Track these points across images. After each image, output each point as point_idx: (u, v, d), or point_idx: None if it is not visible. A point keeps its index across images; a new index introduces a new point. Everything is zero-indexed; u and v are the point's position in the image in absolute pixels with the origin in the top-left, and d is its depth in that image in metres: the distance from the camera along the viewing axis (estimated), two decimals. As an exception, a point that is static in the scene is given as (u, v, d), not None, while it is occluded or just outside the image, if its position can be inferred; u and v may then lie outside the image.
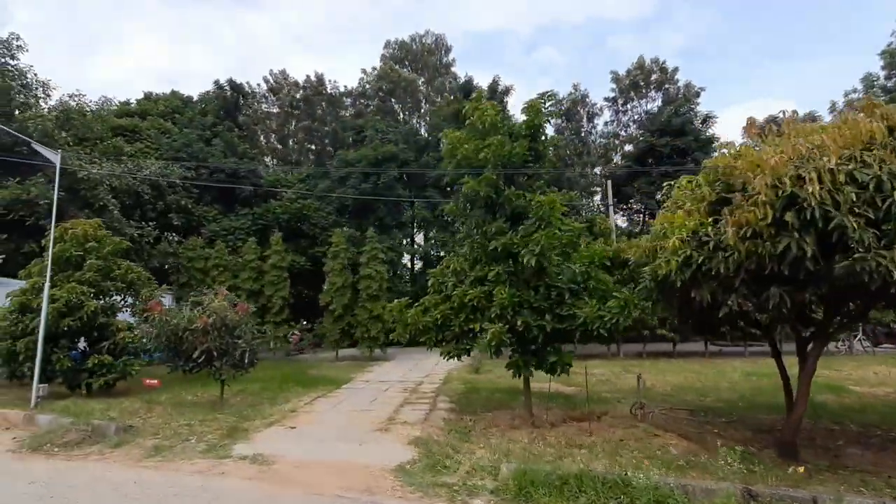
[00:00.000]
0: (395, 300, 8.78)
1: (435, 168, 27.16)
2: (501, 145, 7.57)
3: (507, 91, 28.49)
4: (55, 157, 10.71)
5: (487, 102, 8.45)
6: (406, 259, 29.16)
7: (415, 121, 31.39)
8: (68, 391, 11.24)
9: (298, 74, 33.50)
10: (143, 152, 23.44)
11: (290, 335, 21.41)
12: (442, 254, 28.15)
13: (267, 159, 31.61)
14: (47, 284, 10.16)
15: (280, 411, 9.42)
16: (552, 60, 76.20)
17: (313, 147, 32.30)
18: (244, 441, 7.33)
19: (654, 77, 33.72)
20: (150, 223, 19.80)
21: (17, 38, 17.22)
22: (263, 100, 32.51)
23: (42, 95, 17.90)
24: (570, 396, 10.54)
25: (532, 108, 8.23)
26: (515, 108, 33.18)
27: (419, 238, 29.93)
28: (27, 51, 17.14)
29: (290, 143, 33.20)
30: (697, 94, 32.25)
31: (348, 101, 32.69)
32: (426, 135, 29.23)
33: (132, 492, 5.42)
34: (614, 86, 33.37)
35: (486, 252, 7.96)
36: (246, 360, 10.01)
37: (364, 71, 34.07)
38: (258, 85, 32.42)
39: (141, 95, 30.99)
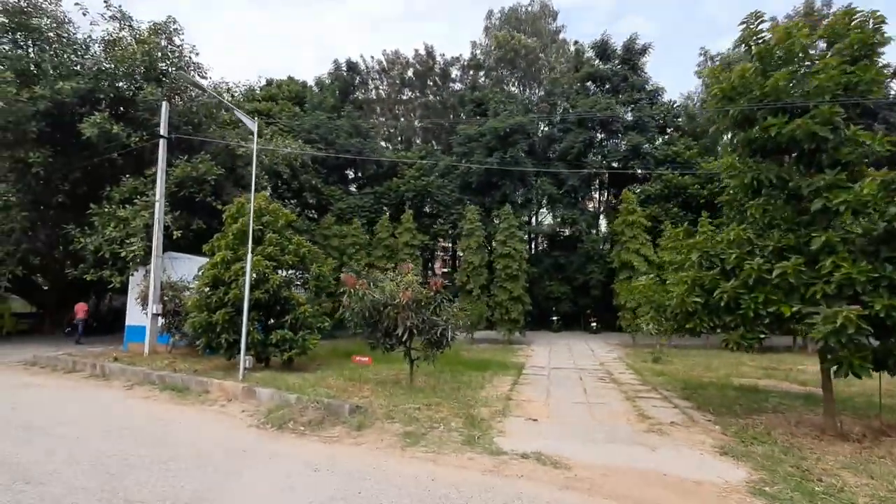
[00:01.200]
0: (643, 276, 7.29)
1: (561, 140, 25.22)
2: (839, 70, 5.69)
3: (644, 50, 25.58)
4: (253, 125, 10.52)
5: (780, 26, 6.56)
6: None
7: (536, 90, 29.51)
8: (256, 363, 11.28)
9: (390, 54, 32.70)
10: (277, 134, 23.96)
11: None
12: (567, 233, 26.31)
13: (382, 140, 31.55)
14: (249, 256, 10.02)
15: (493, 398, 8.46)
16: (640, 29, 69.35)
17: (427, 124, 31.62)
18: (498, 434, 6.36)
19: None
20: (291, 202, 20.11)
21: (174, 22, 17.81)
22: (377, 77, 32.35)
23: (198, 77, 18.57)
24: (807, 396, 8.49)
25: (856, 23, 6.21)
26: (654, 69, 29.62)
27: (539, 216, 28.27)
28: (183, 33, 17.74)
29: (403, 121, 32.82)
30: None
31: (456, 73, 31.59)
32: (547, 104, 27.28)
33: (437, 491, 4.55)
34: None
35: (788, 215, 6.20)
36: (446, 339, 9.17)
37: (474, 43, 32.71)
38: (370, 64, 32.32)
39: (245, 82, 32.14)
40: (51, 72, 15.40)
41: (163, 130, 13.49)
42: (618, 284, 18.94)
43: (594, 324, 23.25)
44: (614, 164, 25.29)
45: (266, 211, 12.43)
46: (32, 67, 15.32)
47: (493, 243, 21.93)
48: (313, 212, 22.94)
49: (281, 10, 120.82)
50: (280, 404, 7.62)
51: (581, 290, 23.95)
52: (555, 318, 24.40)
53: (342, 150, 24.51)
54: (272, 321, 11.48)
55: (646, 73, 26.76)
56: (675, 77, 71.96)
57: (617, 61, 26.46)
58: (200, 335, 11.00)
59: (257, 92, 31.41)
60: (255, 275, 10.77)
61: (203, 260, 14.30)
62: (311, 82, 33.15)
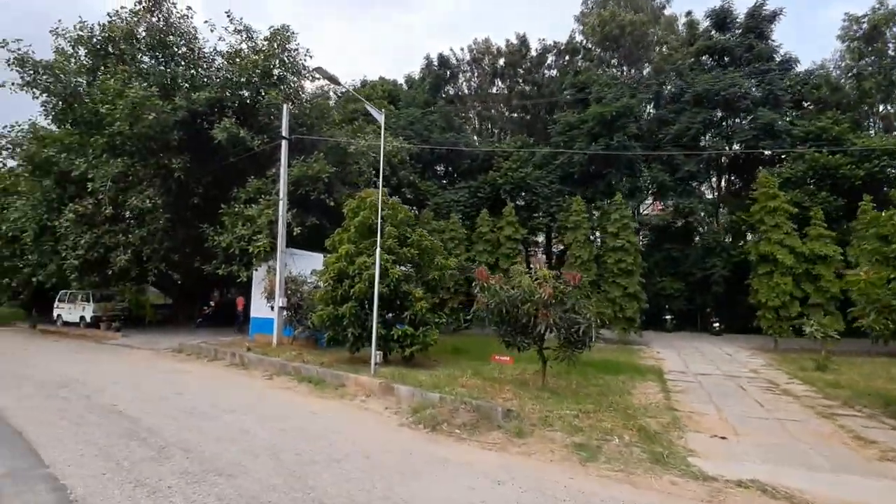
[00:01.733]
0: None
1: (673, 122, 22.99)
2: None
3: (773, 17, 22.45)
4: (380, 117, 10.48)
5: None
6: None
7: (643, 69, 27.31)
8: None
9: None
10: (375, 132, 24.39)
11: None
12: (680, 223, 24.00)
13: (473, 134, 31.20)
14: (378, 250, 9.98)
15: (651, 407, 7.51)
16: None
17: (521, 115, 30.67)
18: (688, 453, 5.46)
19: None
20: (391, 198, 20.27)
21: (287, 29, 18.62)
22: (467, 69, 31.98)
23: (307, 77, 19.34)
24: None
25: None
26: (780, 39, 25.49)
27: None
28: (296, 39, 18.50)
29: (495, 113, 32.16)
30: None
31: (552, 59, 30.11)
32: (656, 83, 25.07)
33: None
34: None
35: None
36: (589, 338, 8.35)
37: (577, 17, 30.84)
38: (460, 56, 32.02)
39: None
40: (185, 84, 16.80)
41: (284, 132, 14.05)
42: (755, 280, 16.73)
43: (717, 324, 20.91)
44: (737, 146, 22.55)
45: (386, 205, 12.39)
46: (169, 81, 16.84)
47: (599, 235, 20.50)
48: (413, 208, 23.05)
49: (364, 12, 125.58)
50: (423, 403, 7.31)
51: (699, 286, 21.65)
52: (668, 317, 22.34)
53: (436, 144, 24.41)
54: (391, 315, 11.40)
55: (774, 41, 23.55)
56: (800, 47, 63.77)
57: (739, 30, 23.52)
58: (328, 328, 11.19)
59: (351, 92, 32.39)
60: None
61: (318, 256, 14.78)
62: (400, 80, 33.73)
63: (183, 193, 16.83)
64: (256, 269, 15.55)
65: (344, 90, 25.73)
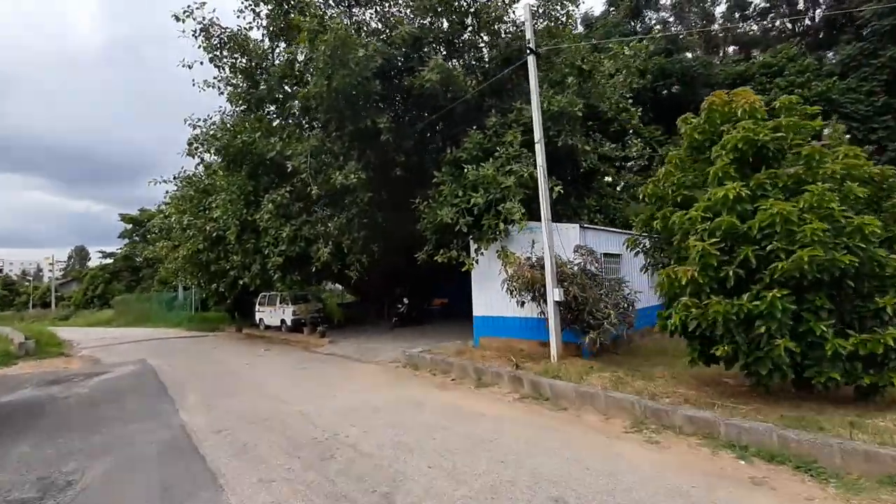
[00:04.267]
0: None
1: None
2: None
3: None
4: None
5: None
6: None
7: None
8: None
9: None
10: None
11: None
12: None
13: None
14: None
15: None
16: None
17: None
18: None
19: None
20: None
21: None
22: None
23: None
24: None
25: None
26: None
27: None
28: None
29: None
30: None
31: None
32: None
33: None
34: None
35: None
36: None
37: None
38: None
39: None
40: (375, 25, 13.45)
41: (531, 43, 9.49)
42: None
43: None
44: None
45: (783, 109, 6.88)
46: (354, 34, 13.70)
47: None
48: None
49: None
50: None
51: None
52: None
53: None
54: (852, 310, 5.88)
55: None
56: None
57: None
58: (719, 340, 6.18)
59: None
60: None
61: (574, 229, 10.07)
62: None
63: (383, 164, 13.56)
64: (482, 253, 11.49)
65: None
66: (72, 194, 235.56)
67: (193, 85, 15.44)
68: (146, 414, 7.29)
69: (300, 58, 13.91)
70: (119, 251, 46.21)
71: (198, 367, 11.78)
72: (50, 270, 70.26)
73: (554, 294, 8.80)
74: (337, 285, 25.62)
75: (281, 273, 14.49)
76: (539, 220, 10.29)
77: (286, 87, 14.72)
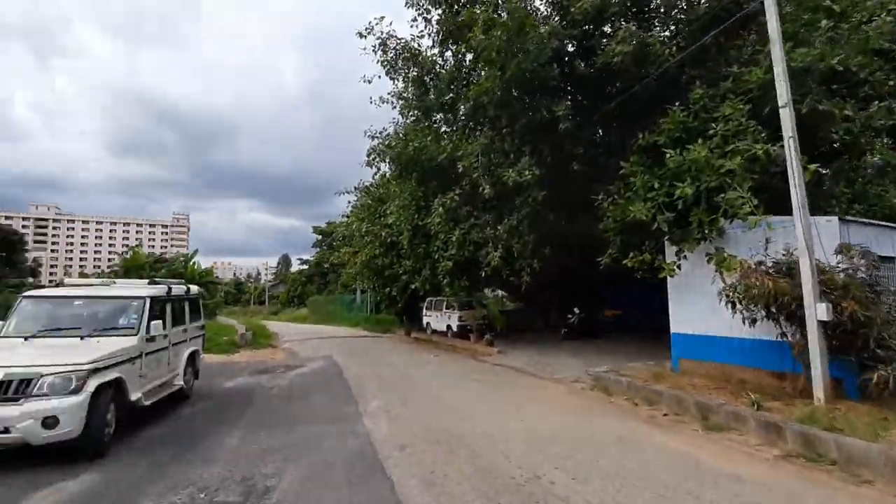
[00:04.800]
0: None
1: None
2: None
3: None
4: None
5: None
6: None
7: None
8: None
9: None
10: None
11: None
12: None
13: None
14: None
15: None
16: None
17: None
18: None
19: None
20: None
21: None
22: None
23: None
24: None
25: None
26: None
27: None
28: None
29: None
30: None
31: None
32: None
33: None
34: None
35: None
36: None
37: None
38: None
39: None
40: (546, 12, 12.32)
41: (768, -21, 7.21)
42: None
43: None
44: None
45: None
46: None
47: None
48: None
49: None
50: None
51: None
52: None
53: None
54: None
55: None
56: None
57: None
58: None
59: None
60: None
61: (872, 229, 7.24)
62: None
63: (558, 160, 12.28)
64: (684, 256, 9.27)
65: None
66: (280, 213, 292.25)
67: (371, 102, 16.47)
68: (335, 415, 7.28)
69: (468, 59, 13.61)
70: (311, 259, 53.86)
71: (376, 369, 12.06)
72: (265, 274, 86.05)
73: (818, 311, 6.35)
74: (498, 291, 25.06)
75: (449, 278, 14.29)
76: (773, 213, 7.84)
77: (453, 92, 14.59)
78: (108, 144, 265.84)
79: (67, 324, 6.51)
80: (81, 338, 6.24)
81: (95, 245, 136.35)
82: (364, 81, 14.88)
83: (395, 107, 16.65)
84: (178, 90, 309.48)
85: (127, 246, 31.38)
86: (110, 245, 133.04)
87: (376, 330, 25.97)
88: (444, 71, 14.24)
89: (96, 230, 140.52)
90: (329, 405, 8.05)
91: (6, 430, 4.78)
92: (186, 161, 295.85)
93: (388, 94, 16.88)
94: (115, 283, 8.03)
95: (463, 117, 14.08)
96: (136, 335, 6.52)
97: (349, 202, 18.83)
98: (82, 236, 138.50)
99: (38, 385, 5.02)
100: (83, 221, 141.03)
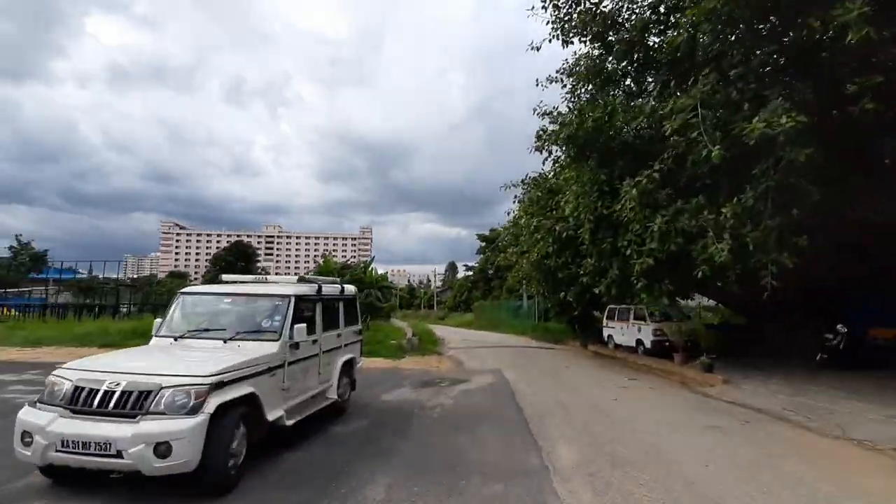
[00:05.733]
0: None
1: None
2: None
3: None
4: None
5: None
6: None
7: None
8: None
9: None
10: None
11: None
12: None
13: None
14: None
15: None
16: None
17: None
18: None
19: None
20: None
21: None
22: None
23: None
24: None
25: None
26: None
27: None
28: None
29: None
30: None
31: None
32: None
33: None
34: None
35: None
36: None
37: None
38: None
39: None
40: None
41: None
42: None
43: None
44: None
45: None
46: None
47: None
48: None
49: None
50: None
51: None
52: None
53: None
54: None
55: None
56: None
57: None
58: None
59: None
60: None
61: None
62: None
63: (824, 102, 8.21)
64: None
65: None
66: (449, 223, 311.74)
67: (537, 85, 14.26)
68: (512, 467, 5.18)
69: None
70: (476, 265, 53.94)
71: (556, 394, 9.67)
72: (434, 280, 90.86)
73: None
74: (704, 299, 20.06)
75: (647, 280, 11.04)
76: None
77: (649, 40, 11.44)
78: (316, 174, 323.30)
79: (216, 324, 5.79)
80: (225, 341, 5.40)
81: (305, 256, 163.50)
82: (532, 49, 12.77)
83: (565, 85, 14.19)
84: (365, 123, 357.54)
85: (326, 254, 35.32)
86: (315, 254, 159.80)
87: (546, 340, 23.44)
88: (635, 15, 11.21)
89: (305, 244, 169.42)
90: (503, 446, 5.99)
91: (119, 455, 3.87)
92: (374, 182, 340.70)
93: (558, 71, 14.50)
94: (267, 279, 7.39)
95: (665, 68, 10.83)
96: (277, 340, 5.46)
97: (515, 197, 16.87)
98: (296, 249, 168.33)
99: (156, 399, 4.07)
100: (297, 237, 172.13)
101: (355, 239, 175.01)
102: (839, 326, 12.15)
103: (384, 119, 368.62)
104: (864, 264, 13.30)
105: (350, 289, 8.03)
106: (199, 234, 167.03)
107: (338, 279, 7.69)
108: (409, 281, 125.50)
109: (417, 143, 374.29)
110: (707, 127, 8.29)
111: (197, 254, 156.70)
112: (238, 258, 68.66)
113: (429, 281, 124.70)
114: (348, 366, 7.61)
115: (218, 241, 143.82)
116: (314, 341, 6.33)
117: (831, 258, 11.55)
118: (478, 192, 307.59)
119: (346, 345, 7.57)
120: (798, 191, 8.66)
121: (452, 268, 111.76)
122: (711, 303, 21.44)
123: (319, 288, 6.67)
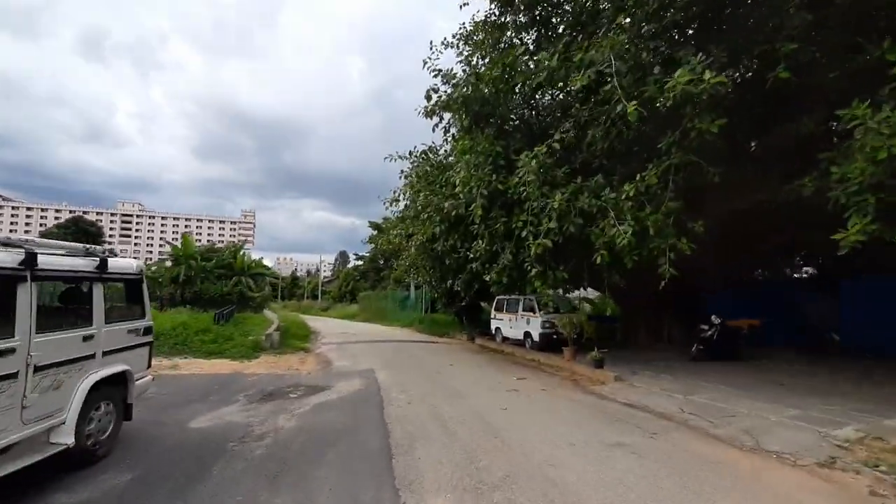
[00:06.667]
0: None
1: None
2: None
3: None
4: None
5: None
6: None
7: None
8: None
9: None
10: None
11: None
12: None
13: None
14: None
15: None
16: None
17: None
18: None
19: None
20: None
21: None
22: None
23: None
24: None
25: None
26: None
27: None
28: None
29: None
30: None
31: None
32: None
33: None
34: None
35: None
36: None
37: None
38: None
39: None
40: None
41: None
42: None
43: None
44: None
45: None
46: None
47: None
48: None
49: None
50: None
51: None
52: None
53: None
54: None
55: None
56: None
57: None
58: None
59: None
60: None
61: None
62: None
63: (752, 58, 7.42)
64: None
65: None
66: (343, 212, 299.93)
67: (431, 49, 12.33)
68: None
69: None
70: (367, 255, 51.04)
71: (435, 401, 7.82)
72: (322, 270, 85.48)
73: None
74: (584, 291, 19.97)
75: (541, 266, 9.74)
76: None
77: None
78: (193, 149, 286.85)
79: None
80: None
81: (172, 238, 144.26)
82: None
83: (461, 52, 12.55)
84: (254, 98, 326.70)
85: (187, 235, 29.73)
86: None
87: (433, 332, 21.90)
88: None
89: (174, 225, 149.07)
90: (344, 491, 3.87)
91: None
92: (262, 163, 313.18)
93: (454, 36, 12.80)
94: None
95: (569, 27, 9.54)
96: None
97: (402, 171, 14.78)
98: (161, 231, 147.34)
99: None
100: (162, 217, 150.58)
101: (235, 223, 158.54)
102: (713, 318, 12.19)
103: (276, 97, 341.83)
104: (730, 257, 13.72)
105: (125, 264, 5.19)
106: (29, 208, 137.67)
107: (89, 246, 4.79)
108: (295, 270, 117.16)
109: (313, 125, 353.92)
110: (622, 80, 6.97)
111: (27, 231, 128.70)
112: (77, 238, 56.89)
113: (317, 270, 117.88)
114: (114, 385, 4.84)
115: (57, 218, 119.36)
116: (11, 349, 3.55)
117: (711, 250, 11.41)
118: (374, 181, 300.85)
119: (109, 352, 4.78)
120: (700, 170, 7.87)
121: (344, 257, 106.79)
122: (591, 294, 21.66)
123: (30, 258, 3.82)
